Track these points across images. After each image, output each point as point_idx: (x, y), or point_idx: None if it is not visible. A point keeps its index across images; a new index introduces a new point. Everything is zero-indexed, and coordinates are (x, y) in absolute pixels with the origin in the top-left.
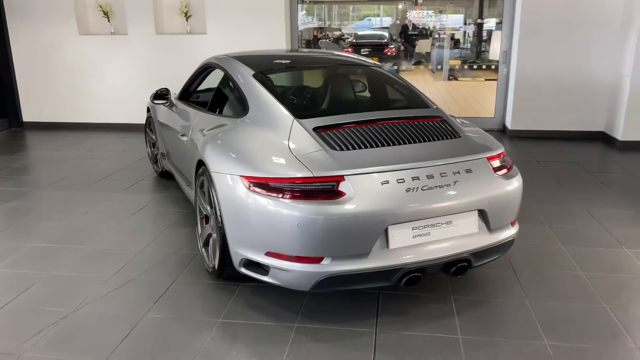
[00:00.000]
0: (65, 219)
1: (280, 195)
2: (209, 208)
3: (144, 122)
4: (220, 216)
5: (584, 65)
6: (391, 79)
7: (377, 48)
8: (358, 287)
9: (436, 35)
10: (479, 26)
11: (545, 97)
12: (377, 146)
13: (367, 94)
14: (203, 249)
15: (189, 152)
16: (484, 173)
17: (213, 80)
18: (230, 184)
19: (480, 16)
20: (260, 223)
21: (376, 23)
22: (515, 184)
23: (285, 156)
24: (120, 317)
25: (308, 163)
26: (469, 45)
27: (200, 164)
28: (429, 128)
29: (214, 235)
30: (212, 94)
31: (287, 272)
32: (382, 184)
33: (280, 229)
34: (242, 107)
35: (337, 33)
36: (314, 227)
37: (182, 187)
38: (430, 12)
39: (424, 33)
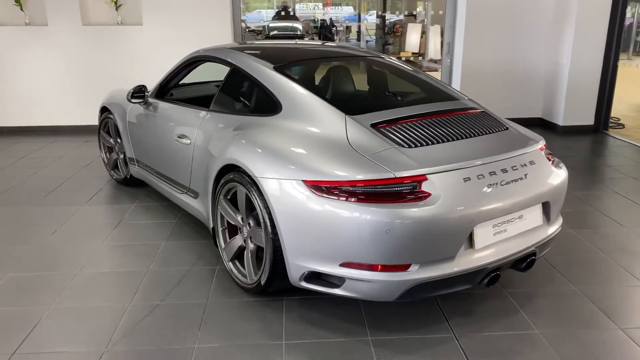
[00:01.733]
0: (33, 241)
1: (358, 200)
2: (240, 218)
3: (73, 124)
4: (272, 226)
5: (522, 56)
6: (415, 71)
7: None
8: (442, 292)
9: (340, 28)
10: (382, 19)
11: (488, 87)
12: (443, 141)
13: (399, 87)
14: (231, 264)
15: (193, 157)
16: (543, 164)
17: (195, 75)
18: (289, 190)
19: (384, 9)
20: (333, 232)
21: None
22: (565, 173)
23: (353, 157)
24: (168, 353)
25: (384, 163)
26: (375, 37)
27: (225, 169)
28: (479, 120)
29: (251, 246)
30: (209, 90)
31: (368, 283)
32: (464, 181)
33: (361, 237)
34: (269, 103)
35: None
36: (403, 233)
37: (169, 196)
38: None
39: (325, 25)
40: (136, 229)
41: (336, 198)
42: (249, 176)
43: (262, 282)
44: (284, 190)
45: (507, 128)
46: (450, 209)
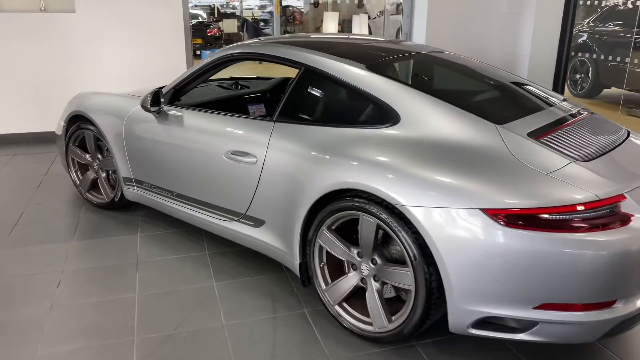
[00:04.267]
0: (40, 300)
1: (559, 229)
2: (356, 252)
3: None
4: (427, 264)
5: (482, 46)
6: (497, 70)
7: (199, 28)
8: (630, 329)
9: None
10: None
11: None
12: (603, 152)
13: (498, 89)
14: (339, 308)
15: (261, 179)
16: None
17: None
18: (459, 221)
19: None
20: (530, 269)
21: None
22: None
23: (533, 176)
24: None
25: (575, 182)
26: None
27: (328, 195)
28: (605, 126)
29: (375, 286)
30: (225, 93)
31: (567, 325)
32: None
33: (570, 274)
34: (378, 112)
35: None
36: (616, 264)
37: (200, 223)
38: None
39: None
40: (165, 269)
41: (530, 228)
42: (382, 203)
43: (405, 330)
44: (451, 220)
45: (624, 128)
46: None
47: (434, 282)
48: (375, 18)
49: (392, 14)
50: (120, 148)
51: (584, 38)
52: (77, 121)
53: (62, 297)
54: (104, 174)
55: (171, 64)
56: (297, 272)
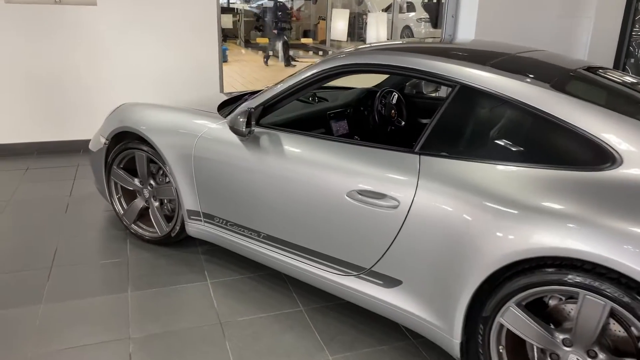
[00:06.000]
0: None
1: None
2: (562, 339)
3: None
4: None
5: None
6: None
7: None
8: None
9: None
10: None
11: None
12: None
13: None
14: None
15: (403, 229)
16: None
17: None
18: None
19: None
20: None
21: None
22: None
23: None
24: None
25: None
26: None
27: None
28: None
29: None
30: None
31: None
32: None
33: None
34: (585, 148)
35: None
36: None
37: (297, 273)
38: None
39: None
40: (259, 335)
41: None
42: (618, 280)
43: None
44: None
45: None
46: None
47: None
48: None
49: (401, 12)
50: (187, 175)
51: None
52: (124, 139)
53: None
54: (156, 203)
55: (202, 65)
56: (455, 353)
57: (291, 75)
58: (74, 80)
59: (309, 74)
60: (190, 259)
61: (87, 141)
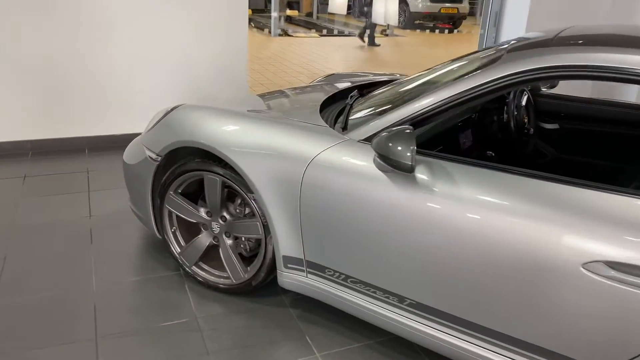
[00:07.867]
0: None
1: None
2: None
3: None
4: None
5: None
6: None
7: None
8: None
9: None
10: None
11: None
12: None
13: None
14: None
15: None
16: None
17: None
18: None
19: None
20: None
21: None
22: None
23: None
24: None
25: None
26: None
27: None
28: None
29: None
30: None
31: None
32: None
33: None
34: None
35: None
36: None
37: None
38: None
39: None
40: None
41: None
42: None
43: None
44: None
45: None
46: None
47: None
48: None
49: None
50: (287, 209)
51: None
52: (184, 155)
53: None
54: (229, 241)
55: (229, 49)
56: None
57: (443, 80)
58: (76, 67)
59: (494, 77)
60: (279, 316)
61: (93, 138)
